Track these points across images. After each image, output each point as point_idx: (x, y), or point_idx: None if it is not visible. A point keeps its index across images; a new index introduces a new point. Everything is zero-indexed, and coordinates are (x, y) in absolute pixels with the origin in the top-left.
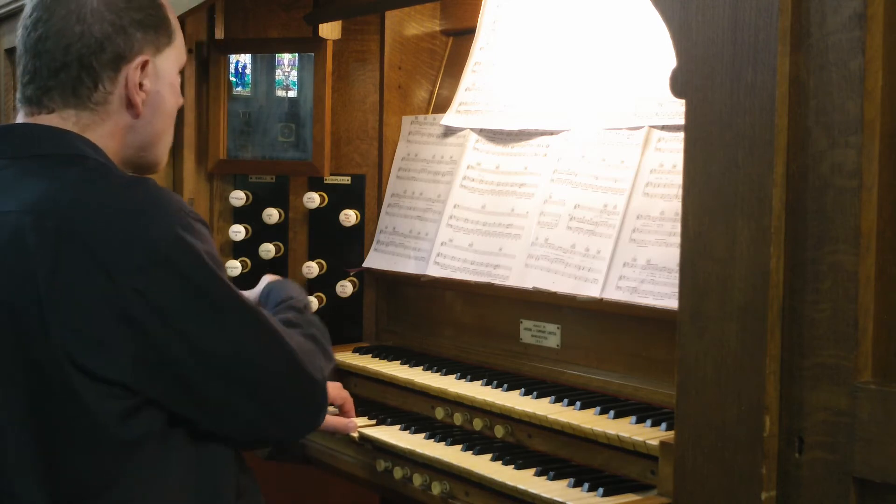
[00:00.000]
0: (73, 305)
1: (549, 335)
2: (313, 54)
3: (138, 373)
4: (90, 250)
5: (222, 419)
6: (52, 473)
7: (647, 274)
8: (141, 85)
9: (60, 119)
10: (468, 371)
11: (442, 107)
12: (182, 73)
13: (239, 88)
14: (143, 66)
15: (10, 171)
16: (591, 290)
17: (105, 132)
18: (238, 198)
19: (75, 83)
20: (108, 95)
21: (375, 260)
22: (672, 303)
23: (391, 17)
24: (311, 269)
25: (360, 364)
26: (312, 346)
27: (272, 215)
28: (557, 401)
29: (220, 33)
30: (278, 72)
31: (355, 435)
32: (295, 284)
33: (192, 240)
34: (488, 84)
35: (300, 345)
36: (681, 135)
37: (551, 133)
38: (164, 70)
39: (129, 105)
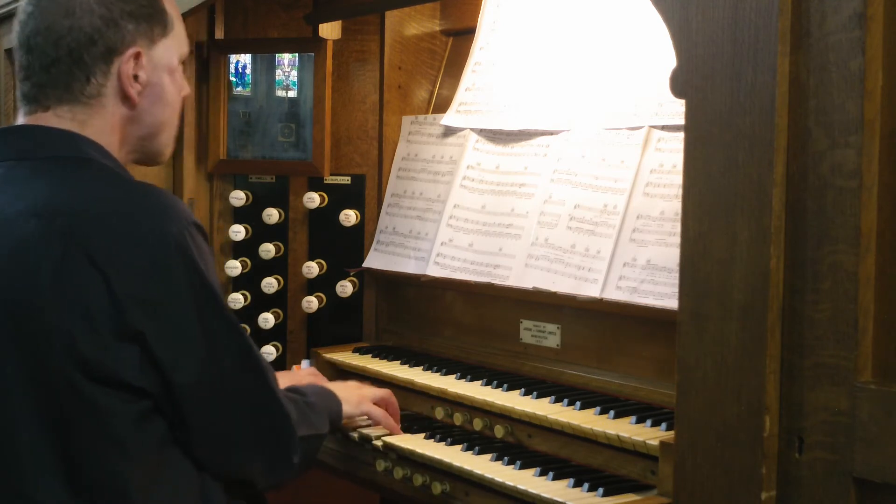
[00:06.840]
0: (74, 311)
1: (549, 335)
2: (313, 54)
3: (141, 376)
4: (92, 256)
5: (190, 428)
6: (76, 476)
7: (647, 274)
8: (136, 77)
9: (56, 117)
10: (468, 371)
11: (442, 107)
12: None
13: (239, 88)
14: (136, 57)
15: (19, 172)
16: (591, 290)
17: (104, 127)
18: (238, 198)
19: (67, 78)
20: (100, 88)
21: (375, 260)
22: (672, 303)
23: (391, 17)
24: (311, 269)
25: (360, 364)
26: (295, 404)
27: (272, 215)
28: (557, 401)
29: (220, 33)
30: (278, 72)
31: (355, 435)
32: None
33: (192, 251)
34: (488, 84)
35: (280, 391)
36: (681, 135)
37: (551, 133)
38: (162, 60)
39: (125, 97)
